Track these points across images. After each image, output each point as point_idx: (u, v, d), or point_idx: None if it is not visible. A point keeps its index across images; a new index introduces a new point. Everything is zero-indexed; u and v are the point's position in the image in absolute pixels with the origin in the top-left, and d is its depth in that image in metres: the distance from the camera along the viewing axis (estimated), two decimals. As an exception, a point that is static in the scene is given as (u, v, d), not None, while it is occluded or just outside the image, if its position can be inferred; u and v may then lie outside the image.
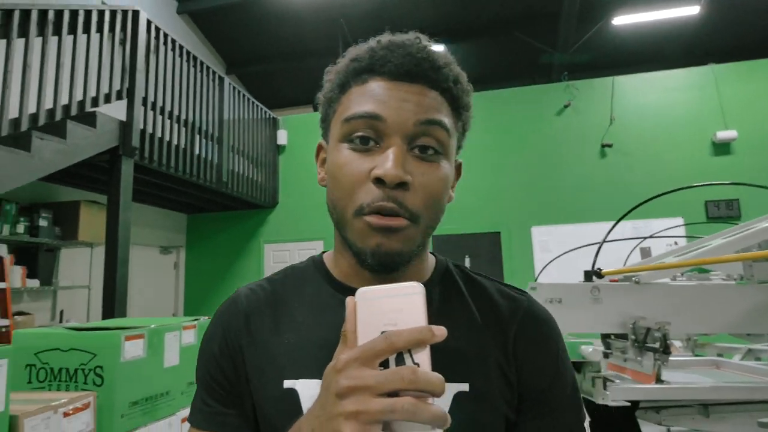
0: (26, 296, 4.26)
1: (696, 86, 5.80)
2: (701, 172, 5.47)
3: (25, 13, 2.86)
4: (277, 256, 6.46)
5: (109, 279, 3.44)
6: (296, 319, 0.58)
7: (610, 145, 5.77)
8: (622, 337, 1.54)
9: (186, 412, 1.64)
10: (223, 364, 0.58)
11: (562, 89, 6.03)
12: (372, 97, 0.53)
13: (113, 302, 3.39)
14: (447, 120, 0.54)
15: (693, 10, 6.12)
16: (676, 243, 5.24)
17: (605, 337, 1.58)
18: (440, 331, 0.38)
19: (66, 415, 1.28)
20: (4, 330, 3.44)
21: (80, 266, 4.76)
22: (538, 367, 0.57)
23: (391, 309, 0.40)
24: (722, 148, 5.61)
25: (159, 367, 1.57)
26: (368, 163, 0.51)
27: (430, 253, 0.65)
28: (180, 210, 6.50)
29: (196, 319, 1.78)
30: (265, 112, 6.30)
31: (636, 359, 1.42)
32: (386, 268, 0.52)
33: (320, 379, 0.48)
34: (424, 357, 0.38)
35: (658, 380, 1.40)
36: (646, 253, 4.54)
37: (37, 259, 4.18)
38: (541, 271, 2.21)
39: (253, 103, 5.92)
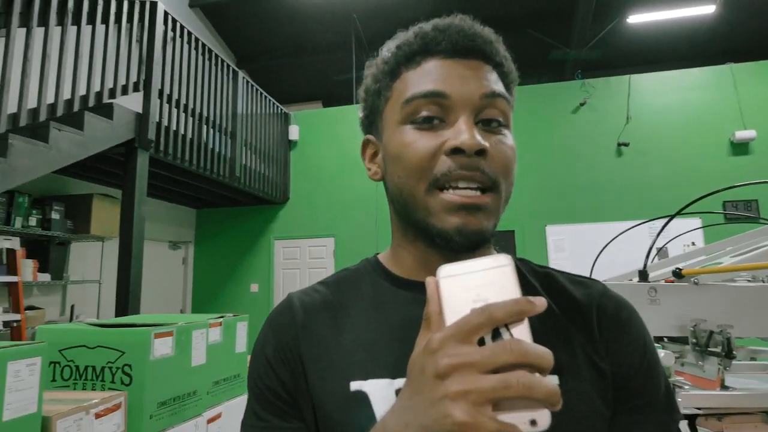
0: (36, 290, 4.20)
1: (714, 85, 5.74)
2: (719, 172, 5.41)
3: (45, 2, 2.80)
4: (288, 252, 6.40)
5: (122, 274, 3.38)
6: (356, 319, 0.55)
7: (626, 144, 5.70)
8: (678, 340, 1.47)
9: (212, 412, 1.60)
10: (279, 371, 0.53)
11: (577, 87, 5.97)
12: (430, 76, 0.52)
13: (126, 298, 3.33)
14: (506, 92, 0.54)
15: (709, 9, 6.06)
16: (693, 243, 5.20)
17: (658, 340, 1.51)
18: (540, 302, 0.34)
19: (98, 416, 1.22)
20: (15, 324, 3.39)
21: (91, 261, 4.70)
22: (625, 350, 0.53)
23: (479, 284, 0.37)
24: (741, 147, 5.55)
25: (187, 366, 1.52)
26: (437, 138, 0.50)
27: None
28: (189, 205, 6.44)
29: (221, 317, 1.72)
30: (277, 107, 6.24)
31: (697, 364, 1.35)
32: (472, 247, 0.49)
33: (391, 378, 0.48)
34: (523, 331, 0.34)
35: (722, 386, 1.33)
36: (663, 254, 4.49)
37: (48, 253, 4.12)
38: (592, 270, 2.14)
39: (265, 97, 5.86)
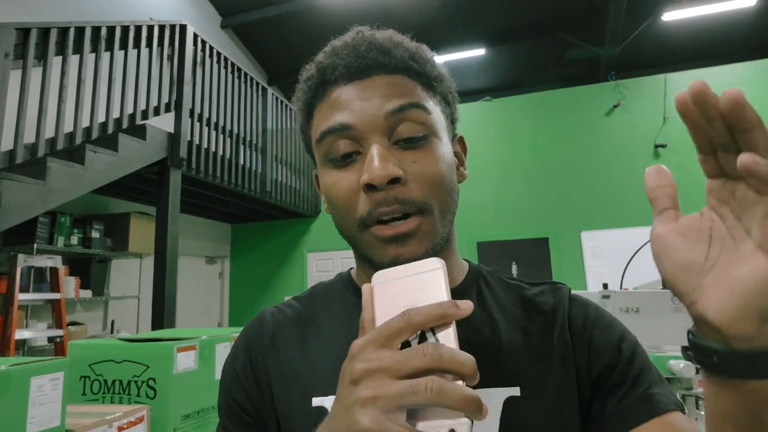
0: (79, 306, 4.38)
1: (757, 81, 5.48)
2: (766, 172, 5.12)
3: (80, 30, 2.95)
4: (321, 264, 6.46)
5: (157, 290, 3.49)
6: (323, 334, 0.56)
7: (663, 146, 5.50)
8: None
9: (237, 425, 1.60)
10: (246, 385, 0.54)
11: (610, 89, 5.81)
12: (335, 108, 0.50)
13: (162, 313, 3.43)
14: (421, 99, 0.50)
15: (749, 2, 5.81)
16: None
17: (686, 350, 1.44)
18: (465, 305, 0.34)
19: (121, 429, 1.25)
20: (58, 340, 3.54)
21: (130, 277, 4.87)
22: (600, 348, 0.52)
23: (410, 288, 0.37)
24: (788, 145, 5.26)
25: (210, 379, 1.54)
26: (355, 174, 0.49)
27: (463, 259, 0.62)
28: (224, 220, 6.61)
29: (245, 330, 1.74)
30: (306, 121, 6.33)
31: (727, 376, 1.27)
32: None
33: None
34: (449, 336, 0.34)
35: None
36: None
37: (89, 270, 4.29)
38: (623, 277, 2.07)
39: (294, 112, 5.95)
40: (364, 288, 0.39)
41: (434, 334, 0.34)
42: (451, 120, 0.56)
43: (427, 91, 0.52)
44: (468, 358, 0.32)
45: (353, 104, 0.49)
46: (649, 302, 1.29)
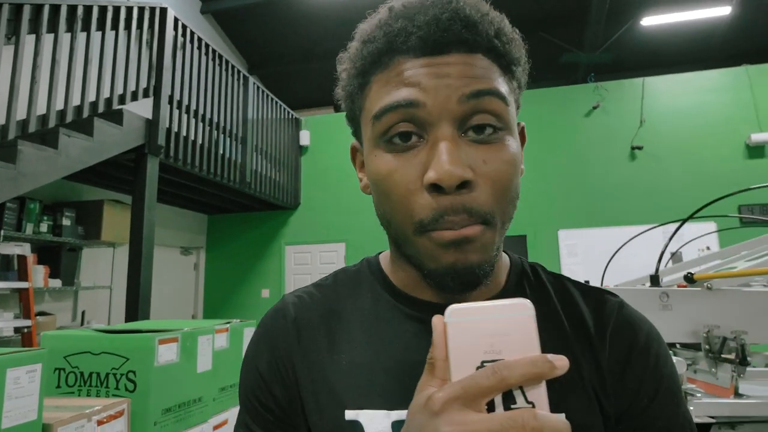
0: (48, 296, 4.24)
1: (729, 87, 5.65)
2: (735, 176, 5.31)
3: (55, 8, 2.83)
4: (299, 257, 6.40)
5: (132, 280, 3.39)
6: (353, 335, 0.50)
7: (640, 148, 5.63)
8: (690, 346, 1.43)
9: (218, 419, 1.59)
10: (273, 388, 0.50)
11: (590, 90, 5.91)
12: (401, 82, 0.43)
13: (137, 303, 3.34)
14: (500, 85, 0.43)
15: (724, 11, 5.97)
16: (708, 248, 5.11)
17: (670, 347, 1.47)
18: (561, 362, 0.30)
19: (100, 423, 1.20)
20: (26, 331, 3.42)
21: (102, 266, 4.74)
22: (636, 384, 0.46)
23: (493, 332, 0.32)
24: (757, 150, 5.46)
25: (192, 372, 1.50)
26: (416, 165, 0.42)
27: (504, 252, 0.55)
28: (201, 210, 6.48)
29: (228, 322, 1.71)
30: (288, 112, 6.26)
31: (710, 371, 1.31)
32: (469, 286, 0.43)
33: (387, 409, 0.45)
34: (540, 395, 0.30)
35: (736, 394, 1.29)
36: (677, 258, 4.41)
37: (59, 259, 4.16)
38: (603, 274, 2.11)
39: (276, 102, 5.88)
40: (436, 322, 0.35)
41: (524, 392, 0.31)
42: (517, 107, 0.49)
43: (505, 76, 0.45)
44: (566, 426, 0.29)
45: (424, 81, 0.42)
46: (638, 300, 1.31)
